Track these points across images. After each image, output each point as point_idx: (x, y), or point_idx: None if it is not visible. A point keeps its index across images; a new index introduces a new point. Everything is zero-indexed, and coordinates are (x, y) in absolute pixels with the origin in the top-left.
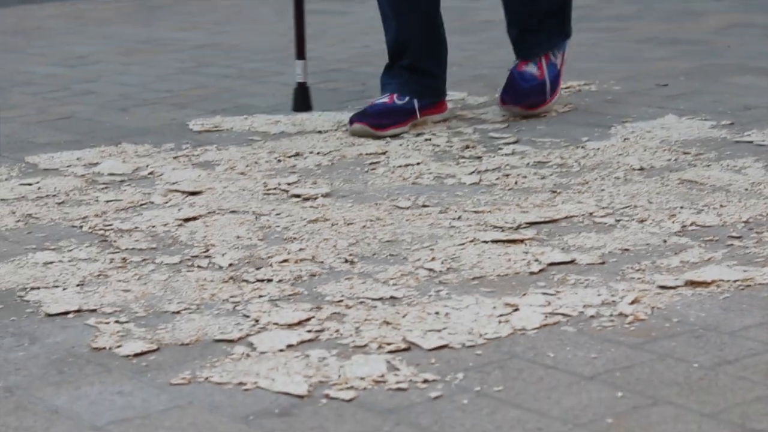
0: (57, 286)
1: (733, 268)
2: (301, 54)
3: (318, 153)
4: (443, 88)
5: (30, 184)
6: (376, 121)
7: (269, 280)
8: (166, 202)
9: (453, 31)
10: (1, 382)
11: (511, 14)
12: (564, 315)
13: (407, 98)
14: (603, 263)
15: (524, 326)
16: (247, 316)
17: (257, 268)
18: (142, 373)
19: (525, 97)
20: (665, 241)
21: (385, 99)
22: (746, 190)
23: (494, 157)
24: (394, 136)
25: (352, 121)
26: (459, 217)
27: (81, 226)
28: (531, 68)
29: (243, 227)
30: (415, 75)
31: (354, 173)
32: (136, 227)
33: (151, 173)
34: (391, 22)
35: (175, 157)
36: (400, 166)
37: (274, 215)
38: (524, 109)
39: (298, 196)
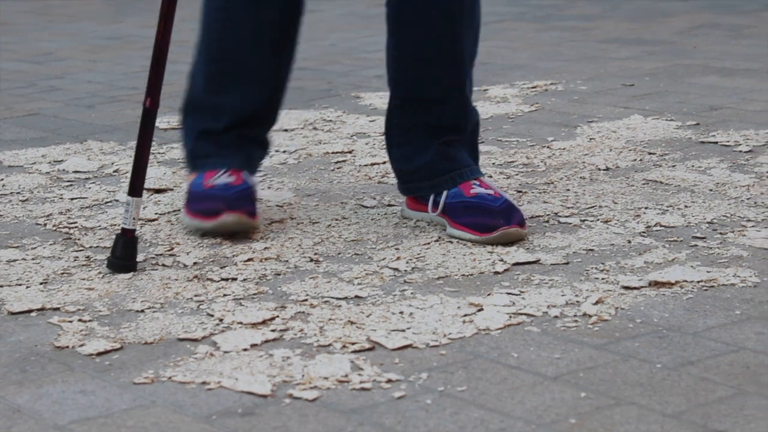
0: (20, 284)
1: (697, 269)
2: (136, 190)
3: (284, 151)
4: None
5: None
6: (250, 207)
7: (234, 279)
8: None
9: None
10: None
11: (431, 127)
12: (528, 315)
13: (252, 177)
14: (567, 263)
15: (488, 326)
16: (212, 315)
17: (222, 267)
18: (105, 372)
19: (513, 214)
20: (630, 242)
21: (231, 179)
22: (711, 190)
23: None
24: (361, 134)
25: (214, 212)
26: None
27: (45, 224)
28: (479, 189)
29: None
30: (260, 148)
31: (320, 172)
32: (101, 225)
33: (116, 171)
34: (251, 83)
35: None
36: (366, 165)
37: None
38: (521, 229)
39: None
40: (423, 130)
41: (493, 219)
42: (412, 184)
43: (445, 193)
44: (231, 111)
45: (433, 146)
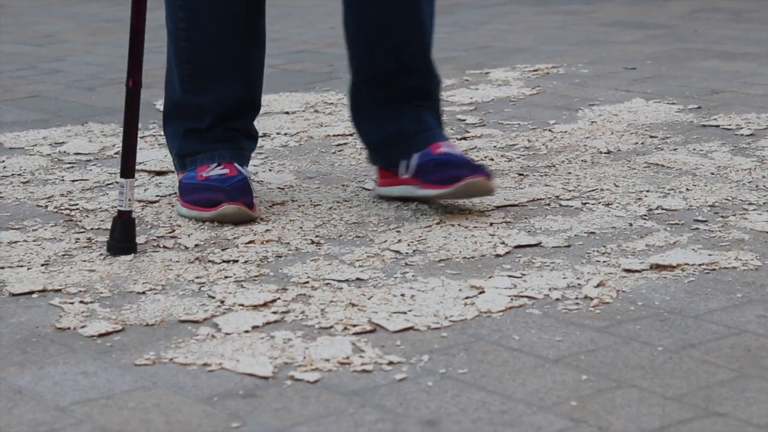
0: (21, 266)
1: (698, 252)
2: (128, 171)
3: (285, 134)
4: None
5: None
6: (248, 199)
7: (235, 261)
8: None
9: None
10: None
11: (400, 96)
12: (529, 298)
13: (245, 168)
14: (569, 246)
15: (489, 309)
16: (213, 297)
17: (223, 249)
18: (107, 353)
19: (479, 167)
20: (631, 225)
21: (225, 171)
22: (712, 174)
23: (462, 139)
24: None
25: (213, 202)
26: (426, 199)
27: (46, 206)
28: (448, 148)
29: None
30: (248, 140)
31: (321, 154)
32: (102, 207)
33: (117, 153)
34: (226, 78)
35: (141, 137)
36: None
37: None
38: (488, 180)
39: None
40: (392, 101)
41: (459, 170)
42: (385, 153)
43: (415, 155)
44: (212, 108)
45: (402, 112)
